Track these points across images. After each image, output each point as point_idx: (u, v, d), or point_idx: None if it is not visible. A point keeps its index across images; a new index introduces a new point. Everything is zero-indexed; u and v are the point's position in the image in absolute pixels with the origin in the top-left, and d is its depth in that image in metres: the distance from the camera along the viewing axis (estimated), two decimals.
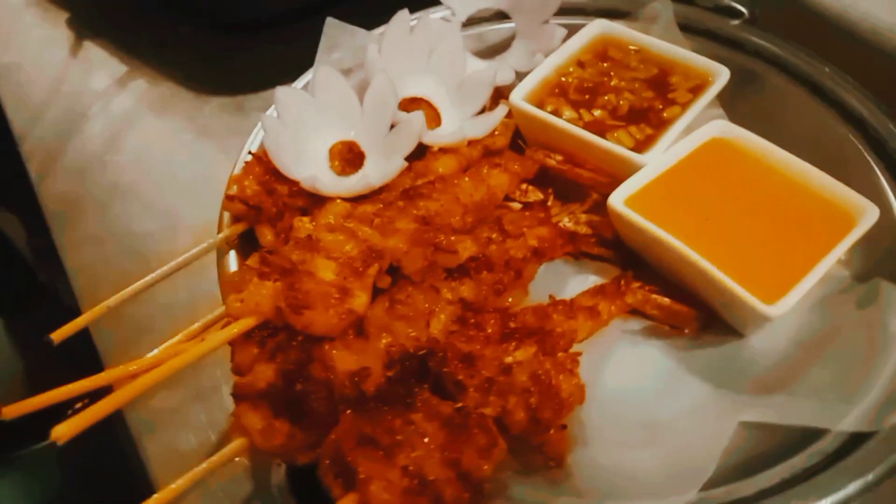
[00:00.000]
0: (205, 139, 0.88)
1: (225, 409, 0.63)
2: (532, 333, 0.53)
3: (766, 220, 0.60)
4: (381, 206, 0.56)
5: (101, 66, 1.01)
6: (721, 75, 0.70)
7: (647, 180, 0.63)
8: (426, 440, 0.41)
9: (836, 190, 0.60)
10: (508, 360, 0.50)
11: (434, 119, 0.72)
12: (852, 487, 0.43)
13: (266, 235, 0.57)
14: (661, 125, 0.68)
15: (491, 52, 0.82)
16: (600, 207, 0.67)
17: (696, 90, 0.70)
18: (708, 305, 0.60)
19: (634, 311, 0.62)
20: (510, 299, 0.59)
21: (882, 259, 0.60)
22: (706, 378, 0.57)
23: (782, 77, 0.75)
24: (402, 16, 0.69)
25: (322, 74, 0.61)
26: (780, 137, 0.65)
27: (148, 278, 0.52)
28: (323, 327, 0.44)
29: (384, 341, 0.48)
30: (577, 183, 0.69)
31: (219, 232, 0.59)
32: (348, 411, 0.42)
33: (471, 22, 0.82)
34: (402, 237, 0.52)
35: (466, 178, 0.62)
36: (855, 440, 0.47)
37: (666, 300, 0.61)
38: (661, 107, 0.70)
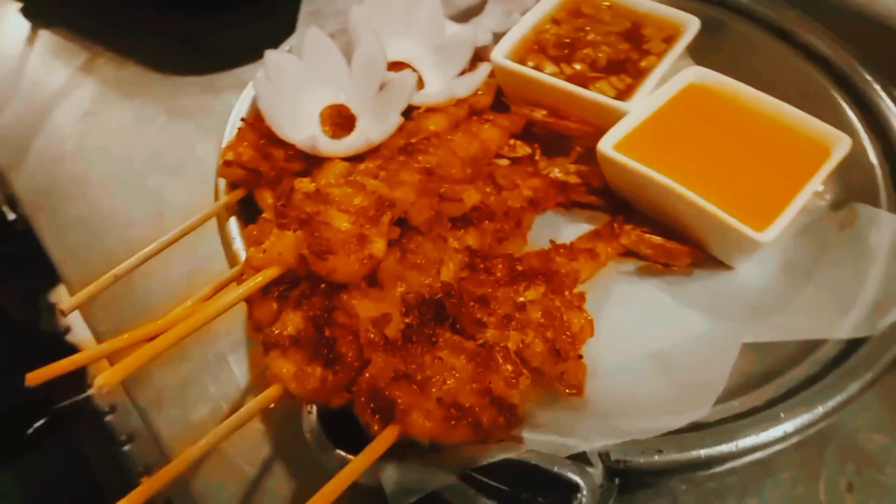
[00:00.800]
0: (180, 120, 0.87)
1: (234, 380, 0.63)
2: (539, 275, 0.54)
3: (747, 155, 0.63)
4: (382, 162, 0.56)
5: (61, 55, 0.98)
6: (692, 25, 0.72)
7: (632, 126, 0.65)
8: (456, 373, 0.42)
9: (810, 124, 0.63)
10: (520, 299, 0.51)
11: (417, 83, 0.73)
12: (854, 387, 0.46)
13: (266, 199, 0.57)
14: (639, 74, 0.70)
15: (464, 16, 0.83)
16: (586, 159, 0.70)
17: (669, 40, 0.73)
18: (697, 241, 0.63)
19: (629, 253, 0.64)
20: (511, 247, 0.60)
21: (855, 187, 0.63)
22: (703, 308, 0.60)
23: (747, 23, 0.78)
24: None
25: (311, 37, 0.61)
26: (749, 81, 0.68)
27: (152, 246, 0.52)
28: (346, 273, 0.44)
29: (399, 290, 0.49)
30: (562, 136, 0.71)
31: (216, 200, 0.58)
32: (380, 352, 0.42)
33: None
34: (408, 188, 0.52)
35: (459, 134, 0.63)
36: (851, 346, 0.50)
37: (658, 239, 0.63)
38: (637, 57, 0.72)
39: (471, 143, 0.62)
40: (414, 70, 0.73)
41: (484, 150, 0.63)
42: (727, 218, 0.57)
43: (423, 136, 0.64)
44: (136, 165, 0.82)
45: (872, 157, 0.63)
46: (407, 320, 0.48)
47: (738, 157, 0.63)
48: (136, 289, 0.67)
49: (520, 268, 0.55)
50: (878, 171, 0.62)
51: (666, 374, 0.52)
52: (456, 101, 0.68)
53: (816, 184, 0.59)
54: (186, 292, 0.64)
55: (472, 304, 0.49)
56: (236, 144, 0.59)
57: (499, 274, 0.54)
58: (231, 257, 0.56)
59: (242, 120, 0.61)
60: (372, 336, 0.45)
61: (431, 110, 0.67)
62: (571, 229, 0.67)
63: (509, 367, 0.44)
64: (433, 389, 0.41)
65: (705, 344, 0.55)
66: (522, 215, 0.62)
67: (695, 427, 0.46)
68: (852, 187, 0.62)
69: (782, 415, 0.45)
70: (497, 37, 0.76)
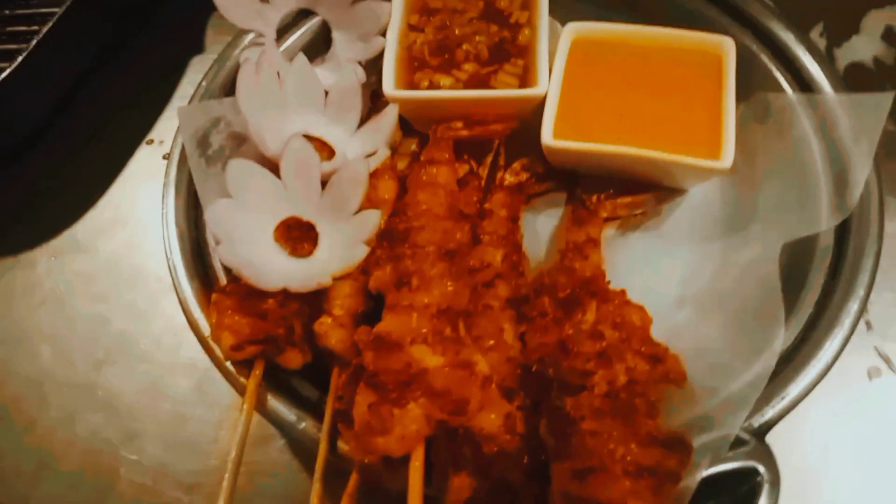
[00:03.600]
0: (72, 304, 0.72)
1: None
2: (578, 289, 0.56)
3: (661, 91, 0.67)
4: (389, 266, 0.53)
5: None
6: None
7: (556, 109, 0.66)
8: (616, 436, 0.44)
9: (693, 39, 0.68)
10: (586, 326, 0.53)
11: (321, 149, 0.67)
12: (869, 263, 0.55)
13: (294, 359, 0.52)
14: (525, 52, 0.71)
15: (311, 53, 0.77)
16: (511, 147, 0.71)
17: (526, 5, 0.74)
18: (653, 181, 0.68)
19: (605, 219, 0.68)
20: (527, 272, 0.61)
21: (746, 77, 0.70)
22: (693, 237, 0.66)
23: None
24: (249, 65, 0.62)
25: (235, 170, 0.54)
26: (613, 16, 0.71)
27: (226, 483, 0.46)
28: (477, 409, 0.43)
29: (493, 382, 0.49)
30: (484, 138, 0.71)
31: (240, 393, 0.52)
32: (555, 463, 0.43)
33: (279, 33, 0.76)
34: (442, 282, 0.51)
35: (420, 195, 0.60)
36: (839, 232, 0.58)
37: (627, 198, 0.67)
38: (511, 35, 0.72)
39: (438, 196, 0.60)
40: (313, 138, 0.68)
41: (452, 194, 0.61)
42: (691, 160, 0.62)
43: (385, 208, 0.61)
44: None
45: (752, 45, 0.70)
46: (516, 404, 0.49)
47: (654, 95, 0.67)
48: None
49: (561, 295, 0.56)
50: (763, 57, 0.70)
51: (722, 313, 0.57)
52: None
53: (732, 93, 0.65)
54: None
55: (560, 358, 0.50)
56: (221, 321, 0.52)
57: (549, 310, 0.55)
58: (293, 434, 0.51)
59: (217, 293, 0.53)
60: (511, 445, 0.45)
61: (371, 176, 0.63)
62: (543, 220, 0.69)
63: (643, 403, 0.46)
64: (615, 466, 0.42)
65: (723, 269, 0.61)
66: (516, 237, 0.62)
67: (785, 359, 0.52)
68: (744, 80, 0.69)
69: (841, 314, 0.53)
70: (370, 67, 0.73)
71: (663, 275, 0.64)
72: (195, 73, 0.82)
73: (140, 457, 0.63)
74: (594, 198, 0.67)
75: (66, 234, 0.76)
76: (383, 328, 0.47)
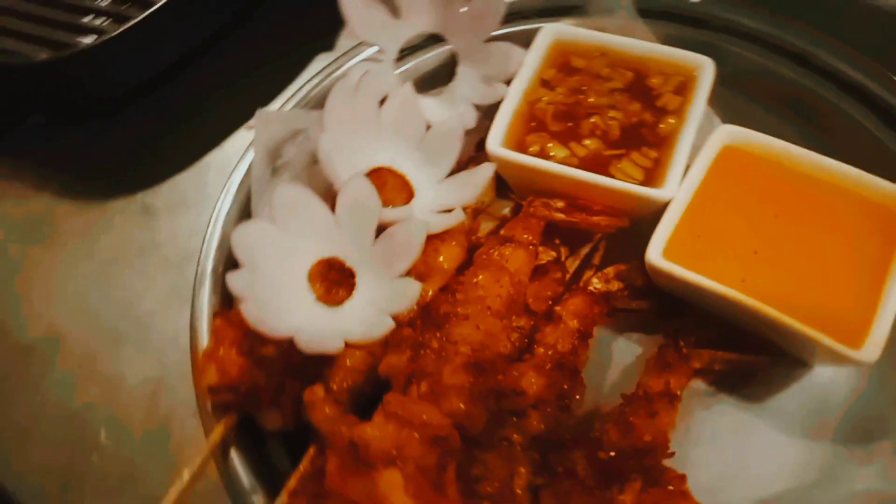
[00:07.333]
0: (119, 266, 0.70)
1: None
2: (627, 457, 0.45)
3: (814, 238, 0.54)
4: (408, 355, 0.44)
5: None
6: (705, 68, 0.62)
7: (676, 221, 0.55)
8: None
9: (877, 187, 0.55)
10: None
11: (401, 188, 0.60)
12: None
13: (273, 420, 0.45)
14: (662, 144, 0.60)
15: (432, 82, 0.70)
16: (610, 247, 0.60)
17: (682, 90, 0.62)
18: (768, 341, 0.54)
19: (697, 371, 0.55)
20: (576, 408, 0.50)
21: None
22: (799, 427, 0.52)
23: (760, 50, 0.68)
24: (346, 82, 0.56)
25: (283, 196, 0.48)
26: (774, 126, 0.59)
27: None
28: None
29: None
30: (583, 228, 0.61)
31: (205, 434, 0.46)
32: None
33: (402, 55, 0.70)
34: (456, 397, 0.41)
35: (481, 276, 0.51)
36: None
37: (731, 354, 0.54)
38: (653, 120, 0.61)
39: (500, 285, 0.51)
40: (396, 174, 0.61)
41: (517, 287, 0.52)
42: (822, 338, 0.48)
43: (438, 278, 0.52)
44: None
45: None
46: None
47: (804, 241, 0.54)
48: None
49: (602, 456, 0.45)
50: None
51: None
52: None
53: None
54: None
55: None
56: (215, 353, 0.46)
57: (580, 470, 0.44)
58: None
59: (216, 316, 0.48)
60: None
61: (437, 237, 0.55)
62: (620, 345, 0.58)
63: None
64: None
65: (837, 485, 0.48)
66: (578, 358, 0.52)
67: None
68: None
69: None
70: (480, 111, 0.65)
71: (747, 466, 0.51)
72: (314, 72, 0.78)
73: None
74: (691, 339, 0.55)
75: (160, 188, 0.73)
76: (365, 433, 0.38)
